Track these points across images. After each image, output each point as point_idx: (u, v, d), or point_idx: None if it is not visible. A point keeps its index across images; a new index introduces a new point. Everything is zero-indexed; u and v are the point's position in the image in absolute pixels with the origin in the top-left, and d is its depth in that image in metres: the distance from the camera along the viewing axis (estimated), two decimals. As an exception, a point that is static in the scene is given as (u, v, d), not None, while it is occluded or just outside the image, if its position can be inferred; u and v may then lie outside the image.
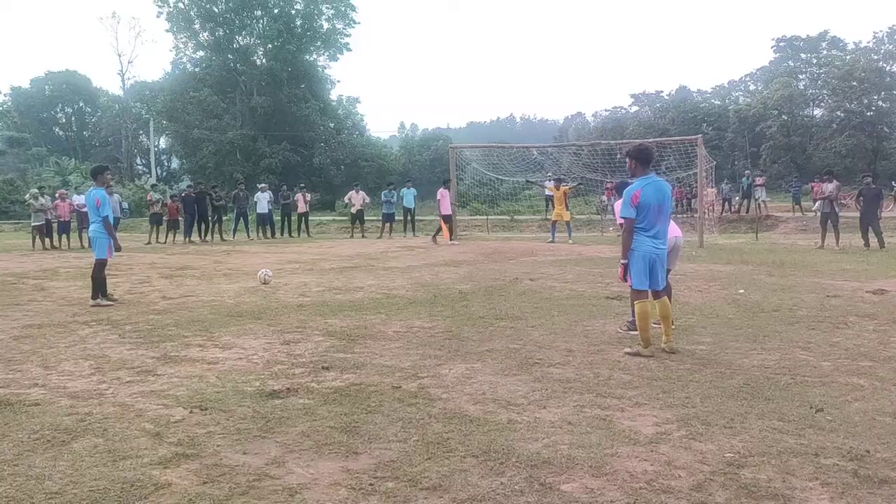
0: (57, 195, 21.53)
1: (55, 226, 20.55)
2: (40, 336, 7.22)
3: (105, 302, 9.35)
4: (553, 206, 21.16)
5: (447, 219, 21.27)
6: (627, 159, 6.62)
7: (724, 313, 8.17)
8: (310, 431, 4.24)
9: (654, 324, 6.48)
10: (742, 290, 9.77)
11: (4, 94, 61.99)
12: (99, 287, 9.44)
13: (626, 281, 6.53)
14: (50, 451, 3.93)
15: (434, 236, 21.09)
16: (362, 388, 5.14)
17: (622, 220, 6.44)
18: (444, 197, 21.39)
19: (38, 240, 20.01)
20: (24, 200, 27.34)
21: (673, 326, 6.52)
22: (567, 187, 21.19)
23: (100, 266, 9.46)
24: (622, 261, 6.38)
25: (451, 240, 20.65)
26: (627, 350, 6.22)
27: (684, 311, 8.12)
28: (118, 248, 9.73)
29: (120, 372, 5.68)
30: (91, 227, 9.72)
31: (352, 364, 5.89)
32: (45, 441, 4.08)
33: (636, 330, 6.48)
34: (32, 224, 20.32)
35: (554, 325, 7.58)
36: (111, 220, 9.71)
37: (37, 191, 21.19)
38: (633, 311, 6.66)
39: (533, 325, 7.60)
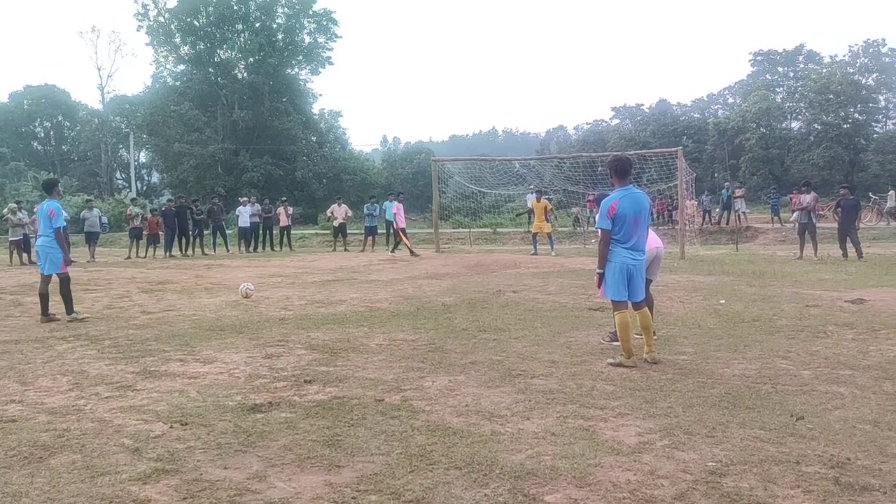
0: (35, 209, 21.29)
1: (32, 241, 20.29)
2: (17, 352, 7.12)
3: (80, 315, 9.20)
4: (534, 219, 21.24)
5: (404, 231, 21.48)
6: (608, 171, 6.68)
7: (705, 324, 8.22)
8: (292, 445, 4.20)
9: (636, 335, 6.51)
10: (723, 301, 9.85)
11: (-18, 109, 61.43)
12: (69, 301, 9.23)
13: (599, 290, 6.57)
14: (27, 467, 3.86)
15: (393, 250, 21.11)
16: (345, 402, 5.11)
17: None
18: (400, 210, 21.61)
19: (15, 255, 19.76)
20: (1, 215, 27.03)
21: (655, 337, 6.56)
22: (548, 203, 21.29)
23: (64, 282, 9.25)
24: (598, 270, 6.43)
25: (412, 253, 20.63)
26: (610, 361, 6.24)
27: (666, 322, 8.16)
28: (69, 263, 9.39)
29: (99, 387, 5.61)
30: (40, 241, 9.43)
31: (334, 377, 5.86)
32: (23, 457, 4.01)
33: (618, 341, 6.51)
34: (10, 239, 20.07)
35: (537, 336, 7.59)
36: (62, 233, 9.32)
37: (15, 205, 20.95)
38: (615, 321, 6.70)
39: (516, 336, 7.60)
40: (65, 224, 9.47)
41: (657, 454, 3.96)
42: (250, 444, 4.23)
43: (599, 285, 6.42)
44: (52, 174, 51.39)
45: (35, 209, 21.12)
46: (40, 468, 3.85)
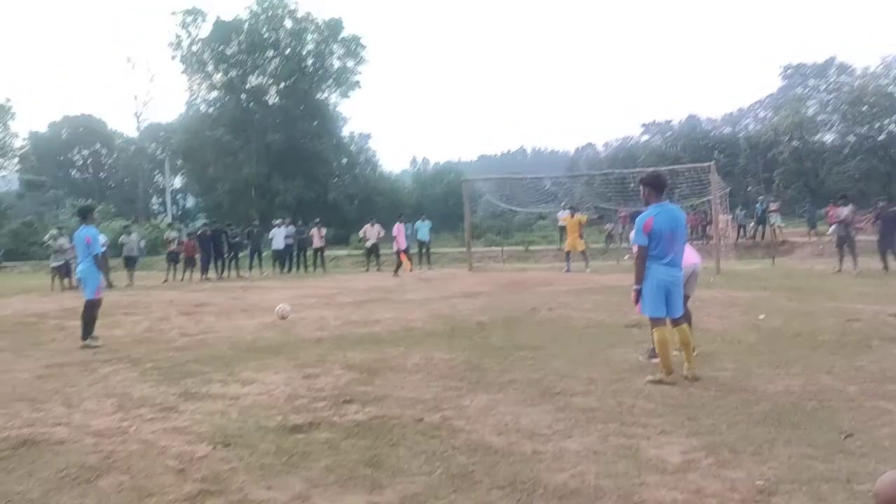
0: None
1: (73, 266, 20.72)
2: (62, 375, 7.26)
3: (95, 343, 9.16)
4: (566, 236, 21.10)
5: (406, 252, 21.98)
6: (641, 187, 6.65)
7: (745, 339, 8.10)
8: (334, 465, 4.22)
9: (675, 351, 6.44)
10: (762, 316, 9.69)
11: (23, 139, 63.14)
12: (89, 327, 9.28)
13: (637, 307, 6.53)
14: (76, 489, 3.94)
15: (395, 271, 21.26)
16: (385, 421, 5.13)
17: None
18: (400, 232, 22.01)
19: (56, 280, 20.18)
20: (42, 242, 27.65)
21: (694, 353, 6.48)
22: (583, 217, 21.11)
23: (90, 306, 9.34)
24: (635, 287, 6.39)
25: (411, 270, 21.38)
26: (650, 378, 6.17)
27: (705, 338, 8.05)
28: (109, 286, 9.52)
29: (142, 409, 5.69)
30: (80, 267, 9.60)
31: (373, 397, 5.88)
32: (72, 479, 4.09)
33: (657, 357, 6.45)
34: (51, 265, 20.51)
35: (574, 354, 7.54)
36: (101, 258, 9.49)
37: (56, 232, 21.44)
38: (653, 338, 6.64)
39: (553, 354, 7.56)
40: (103, 249, 9.64)
41: (703, 473, 3.91)
42: (293, 465, 4.26)
43: (637, 302, 6.37)
44: (90, 201, 52.78)
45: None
46: (89, 490, 3.93)
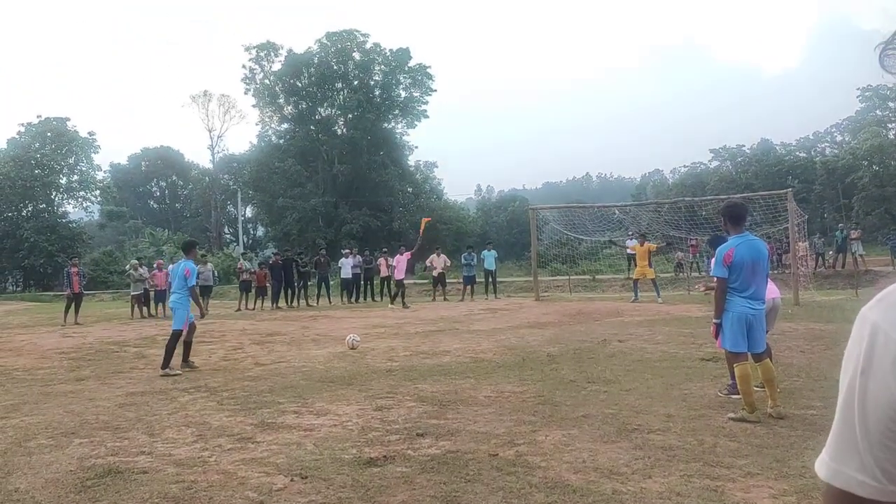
0: (154, 265, 22.56)
1: (152, 294, 21.46)
2: (143, 403, 7.47)
3: (173, 372, 9.46)
4: (635, 264, 20.72)
5: (399, 284, 21.99)
6: (721, 217, 6.49)
7: (831, 375, 7.74)
8: (410, 501, 4.20)
9: (757, 387, 6.21)
10: (847, 350, 9.26)
11: (104, 172, 66.16)
12: (169, 357, 9.62)
13: (717, 340, 6.36)
14: (160, 519, 4.01)
15: (403, 303, 21.30)
16: (459, 456, 5.08)
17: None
18: (401, 262, 22.10)
19: (136, 308, 20.90)
20: (122, 271, 28.75)
21: (778, 390, 6.23)
22: (653, 245, 20.72)
23: (175, 337, 9.75)
24: (715, 320, 6.21)
25: (407, 305, 21.22)
26: (731, 415, 5.96)
27: (788, 374, 7.75)
28: (203, 315, 10.22)
29: (221, 439, 5.79)
30: (173, 298, 10.14)
31: (446, 430, 5.84)
32: (156, 509, 4.17)
33: (737, 394, 6.24)
34: (132, 293, 21.27)
35: (649, 388, 7.36)
36: (197, 290, 10.19)
37: (136, 262, 22.26)
38: (731, 373, 6.43)
39: (627, 388, 7.39)
40: (196, 282, 10.20)
41: (795, 519, 3.73)
42: (369, 499, 4.26)
43: (717, 336, 6.19)
44: (167, 231, 54.73)
45: (155, 265, 22.44)
46: (173, 520, 3.99)
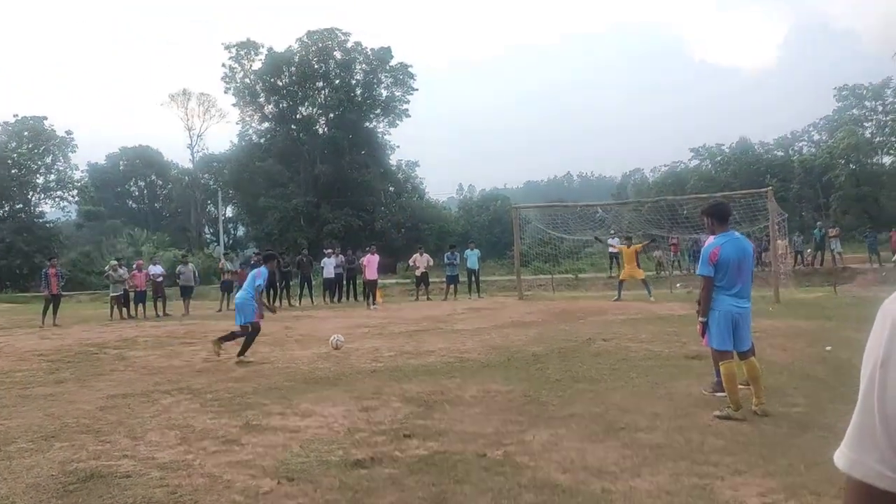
0: (134, 266, 22.30)
1: (132, 295, 21.21)
2: (125, 406, 7.36)
3: (247, 359, 10.36)
4: (622, 265, 20.77)
5: (372, 284, 22.03)
6: (704, 217, 6.52)
7: (814, 373, 7.83)
8: (399, 503, 4.16)
9: (742, 385, 6.24)
10: (829, 348, 9.36)
11: (82, 171, 65.37)
12: (248, 346, 10.60)
13: (703, 339, 6.39)
14: (146, 524, 3.94)
15: (371, 304, 21.37)
16: (447, 457, 5.05)
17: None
18: (371, 262, 22.17)
19: (116, 310, 20.66)
20: (101, 271, 28.42)
21: (762, 387, 6.26)
22: (638, 245, 20.83)
23: (246, 329, 10.71)
24: (701, 319, 6.24)
25: (373, 305, 21.29)
26: (717, 413, 5.98)
27: (771, 371, 7.78)
28: (261, 315, 11.17)
29: (205, 441, 5.72)
30: (239, 294, 11.45)
31: (433, 431, 5.81)
32: (140, 514, 4.10)
33: (722, 392, 6.27)
34: (111, 294, 21.01)
35: (635, 387, 7.38)
36: (262, 291, 11.44)
37: (115, 262, 21.98)
38: (716, 371, 6.46)
39: (612, 387, 7.41)
40: (262, 283, 11.21)
41: (784, 517, 3.74)
42: (357, 502, 4.22)
43: (703, 334, 6.22)
44: (145, 231, 54.22)
45: (134, 265, 22.19)
46: (158, 524, 3.93)
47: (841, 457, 1.02)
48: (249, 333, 10.70)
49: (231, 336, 10.86)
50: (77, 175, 57.09)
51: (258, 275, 11.11)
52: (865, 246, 30.02)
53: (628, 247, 20.13)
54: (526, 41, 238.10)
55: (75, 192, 55.45)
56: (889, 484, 0.95)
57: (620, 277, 20.35)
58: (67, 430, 6.28)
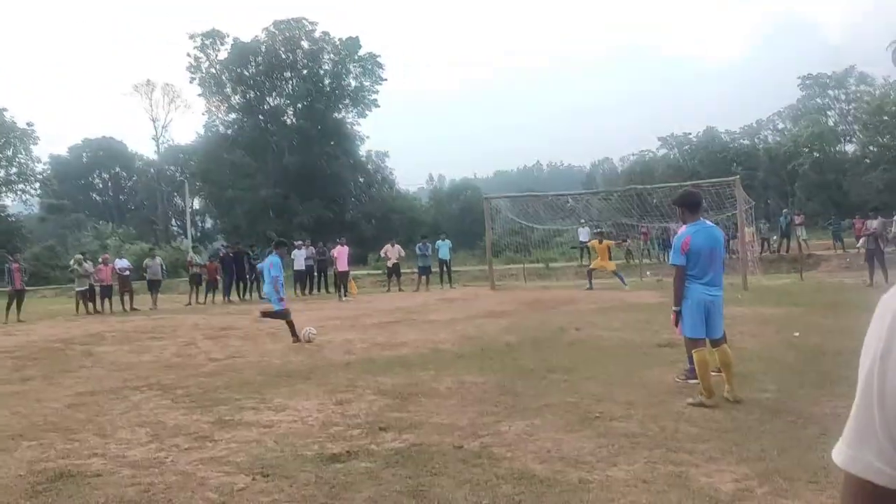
0: (100, 260, 21.91)
1: (97, 290, 20.85)
2: (93, 403, 7.22)
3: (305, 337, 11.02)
4: (594, 254, 21.03)
5: (343, 275, 22.03)
6: (676, 207, 6.56)
7: (783, 358, 7.94)
8: (377, 497, 4.14)
9: (714, 372, 6.31)
10: (797, 334, 9.51)
11: (44, 163, 64.03)
12: (292, 328, 11.33)
13: (677, 328, 6.44)
14: (118, 524, 3.87)
15: (343, 295, 21.39)
16: (423, 449, 5.03)
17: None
18: (341, 254, 22.18)
19: (81, 305, 20.30)
20: (66, 266, 27.88)
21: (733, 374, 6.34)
22: (611, 242, 21.13)
23: (283, 315, 11.52)
24: (674, 308, 6.29)
25: (345, 297, 21.31)
26: (690, 401, 6.04)
27: (741, 357, 7.86)
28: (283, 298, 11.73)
29: (177, 438, 5.63)
30: (266, 288, 12.35)
31: (408, 423, 5.79)
32: (112, 514, 4.02)
33: (695, 379, 6.33)
34: (76, 289, 20.63)
35: (609, 376, 7.42)
36: (281, 280, 11.73)
37: (80, 256, 21.59)
38: (689, 359, 6.51)
39: (587, 376, 7.44)
40: (280, 273, 11.68)
41: (759, 502, 3.78)
42: (335, 496, 4.18)
43: (676, 323, 6.27)
44: (111, 224, 53.33)
45: (100, 259, 21.81)
46: (131, 524, 3.85)
47: (839, 453, 1.00)
48: (281, 317, 11.55)
49: (273, 314, 11.83)
50: (39, 168, 56.02)
51: (271, 265, 11.62)
52: (830, 233, 30.57)
53: (600, 242, 20.33)
54: (494, 32, 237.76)
55: (38, 185, 54.36)
56: (888, 480, 0.94)
57: (591, 266, 20.51)
58: (35, 429, 6.14)
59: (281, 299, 11.56)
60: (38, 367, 9.90)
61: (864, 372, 0.99)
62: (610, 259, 20.42)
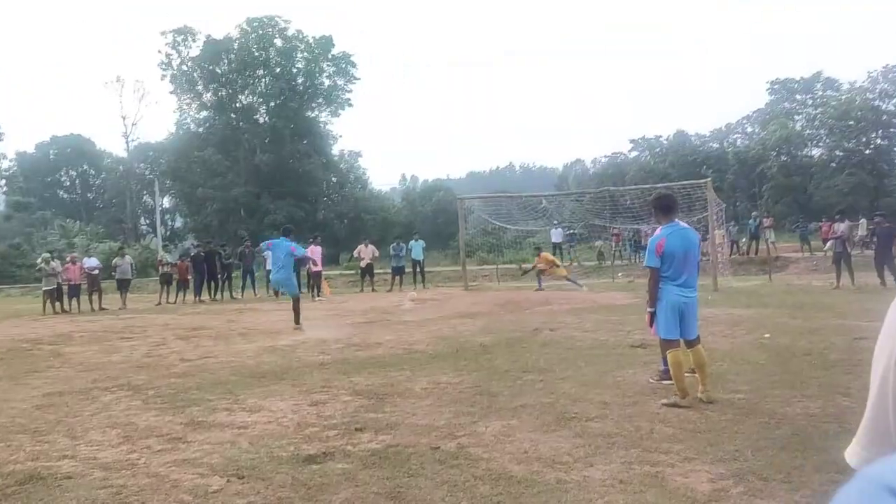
0: (68, 258, 21.54)
1: (65, 289, 20.49)
2: (63, 404, 7.09)
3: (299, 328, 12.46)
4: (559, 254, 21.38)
5: (316, 275, 22.03)
6: (652, 210, 6.62)
7: (754, 359, 8.04)
8: (353, 498, 4.11)
9: (687, 373, 6.37)
10: (767, 335, 9.65)
11: (10, 160, 62.70)
12: (297, 316, 12.88)
13: (651, 329, 6.49)
14: (90, 528, 3.79)
15: (317, 296, 21.35)
16: (400, 450, 5.01)
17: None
18: (314, 253, 22.08)
19: (48, 304, 19.93)
20: (32, 264, 27.36)
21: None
22: (548, 254, 21.79)
23: (297, 301, 13.08)
24: (649, 309, 6.34)
25: (318, 296, 21.22)
26: (664, 401, 6.09)
27: (713, 358, 7.95)
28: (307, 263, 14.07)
29: (149, 440, 5.54)
30: (279, 275, 13.35)
31: (385, 424, 5.76)
32: (84, 517, 3.95)
33: (668, 379, 6.38)
34: (43, 288, 20.26)
35: (583, 376, 7.46)
36: (301, 259, 14.12)
37: (48, 255, 21.20)
38: (663, 360, 6.57)
39: (562, 377, 7.47)
40: (304, 253, 13.75)
41: (735, 502, 3.82)
42: (311, 498, 4.14)
43: (651, 324, 6.31)
44: (78, 223, 52.41)
45: (68, 258, 21.41)
46: (103, 528, 3.78)
47: (853, 455, 1.01)
48: (295, 302, 12.86)
49: (297, 316, 12.81)
50: (5, 164, 54.89)
51: (294, 248, 12.78)
52: (797, 235, 31.09)
53: (539, 256, 20.77)
54: (467, 26, 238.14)
55: (3, 181, 53.24)
56: None
57: (541, 267, 20.58)
58: (2, 431, 6.02)
59: (295, 285, 13.17)
60: (4, 368, 9.70)
61: (878, 374, 0.99)
62: (558, 265, 20.84)
